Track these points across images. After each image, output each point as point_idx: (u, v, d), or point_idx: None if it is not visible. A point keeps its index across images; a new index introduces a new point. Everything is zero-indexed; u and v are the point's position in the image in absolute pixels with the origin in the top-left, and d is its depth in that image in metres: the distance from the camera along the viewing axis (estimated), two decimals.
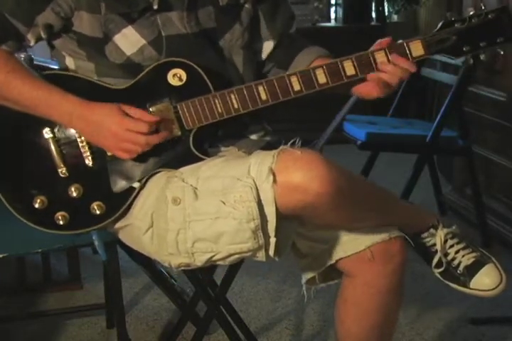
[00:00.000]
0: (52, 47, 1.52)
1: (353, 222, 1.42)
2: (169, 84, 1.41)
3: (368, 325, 1.51)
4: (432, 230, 1.50)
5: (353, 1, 4.62)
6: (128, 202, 1.43)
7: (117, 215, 1.43)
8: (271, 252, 1.34)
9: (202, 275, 1.77)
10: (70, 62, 1.49)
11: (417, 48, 1.38)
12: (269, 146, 1.51)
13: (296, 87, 1.39)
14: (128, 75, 1.43)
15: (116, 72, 1.44)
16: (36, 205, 1.42)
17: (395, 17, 4.82)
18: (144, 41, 1.42)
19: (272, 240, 1.33)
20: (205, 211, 1.34)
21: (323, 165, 1.28)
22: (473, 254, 1.48)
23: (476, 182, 2.87)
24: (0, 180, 1.44)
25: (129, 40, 1.42)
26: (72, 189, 1.42)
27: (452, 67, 2.92)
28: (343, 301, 1.53)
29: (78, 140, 1.42)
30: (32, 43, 1.45)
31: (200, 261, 1.38)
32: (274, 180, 1.29)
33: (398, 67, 1.39)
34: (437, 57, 3.05)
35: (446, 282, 1.51)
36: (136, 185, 1.42)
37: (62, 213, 1.42)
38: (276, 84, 1.39)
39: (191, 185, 1.36)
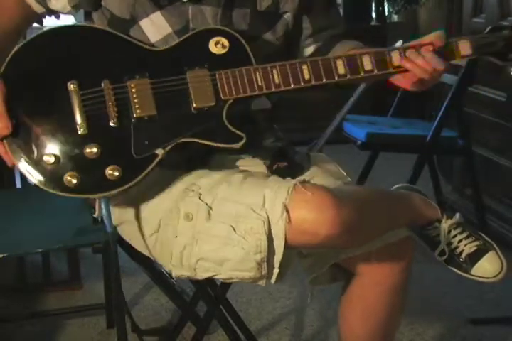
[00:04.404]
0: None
1: (362, 243, 1.43)
2: (210, 52, 1.36)
3: (373, 325, 1.52)
4: (436, 224, 1.52)
5: (353, 1, 4.63)
6: (147, 170, 1.32)
7: (133, 183, 1.32)
8: (272, 281, 1.35)
9: None
10: None
11: (465, 47, 1.38)
12: (280, 152, 1.51)
13: (341, 70, 1.36)
14: None
15: None
16: (47, 162, 1.30)
17: (395, 17, 4.82)
18: (170, 29, 1.40)
19: (275, 271, 1.33)
20: (215, 234, 1.32)
21: (332, 207, 1.28)
22: (476, 243, 1.51)
23: (476, 182, 2.87)
24: (12, 130, 1.32)
25: (155, 27, 1.40)
26: (89, 149, 1.31)
27: (452, 67, 2.92)
28: (349, 300, 1.53)
29: (106, 97, 1.32)
30: (55, 5, 1.44)
31: (201, 276, 1.38)
32: (288, 217, 1.29)
33: (428, 62, 1.35)
34: None
35: (450, 267, 1.53)
36: (159, 151, 1.33)
37: (74, 173, 1.30)
38: (321, 65, 1.35)
39: (206, 204, 1.34)
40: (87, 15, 1.50)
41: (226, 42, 1.35)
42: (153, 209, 1.42)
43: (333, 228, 1.28)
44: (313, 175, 1.50)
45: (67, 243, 1.72)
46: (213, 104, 1.34)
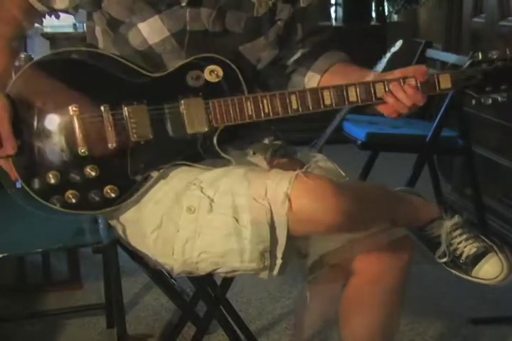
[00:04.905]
0: (89, 24, 1.53)
1: (359, 231, 1.44)
2: (205, 80, 1.42)
3: (372, 324, 1.52)
4: (436, 223, 1.52)
5: (353, 0, 4.62)
6: (142, 190, 1.41)
7: (128, 201, 1.42)
8: (275, 272, 1.36)
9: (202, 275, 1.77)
10: (100, 43, 1.50)
11: (445, 81, 1.44)
12: (282, 150, 1.54)
13: (327, 101, 1.42)
14: (148, 64, 1.44)
15: (137, 60, 1.45)
16: (48, 180, 1.38)
17: (395, 17, 4.82)
18: (167, 33, 1.44)
19: (278, 262, 1.34)
20: (217, 225, 1.34)
21: (334, 196, 1.30)
22: (478, 244, 1.50)
23: (476, 182, 2.87)
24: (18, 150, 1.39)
25: (152, 30, 1.44)
26: (89, 169, 1.38)
27: (452, 67, 2.92)
28: (348, 300, 1.54)
29: (105, 122, 1.39)
30: (59, 6, 1.47)
31: (203, 270, 1.39)
32: (290, 206, 1.30)
33: (409, 97, 1.42)
34: (437, 56, 3.05)
35: (449, 269, 1.52)
36: (154, 174, 1.41)
37: (74, 192, 1.38)
38: (308, 95, 1.42)
39: (208, 197, 1.36)
40: (89, 16, 1.52)
41: (221, 72, 1.42)
42: (154, 205, 1.42)
43: (336, 216, 1.29)
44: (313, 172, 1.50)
45: (67, 243, 1.72)
46: (206, 130, 1.42)
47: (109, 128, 1.39)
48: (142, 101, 1.39)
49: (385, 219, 1.46)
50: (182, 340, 2.10)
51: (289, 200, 1.30)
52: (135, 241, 1.50)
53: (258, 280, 2.52)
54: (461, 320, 2.28)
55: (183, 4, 1.42)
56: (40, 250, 1.73)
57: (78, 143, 1.38)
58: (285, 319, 2.30)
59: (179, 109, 1.41)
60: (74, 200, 1.38)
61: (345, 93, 1.42)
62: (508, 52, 1.44)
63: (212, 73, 1.42)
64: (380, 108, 1.45)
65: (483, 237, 1.53)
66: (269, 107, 1.41)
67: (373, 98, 1.43)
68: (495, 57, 1.44)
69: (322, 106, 1.42)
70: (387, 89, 1.42)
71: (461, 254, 1.50)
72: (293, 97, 1.41)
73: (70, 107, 1.37)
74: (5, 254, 1.64)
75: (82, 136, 1.38)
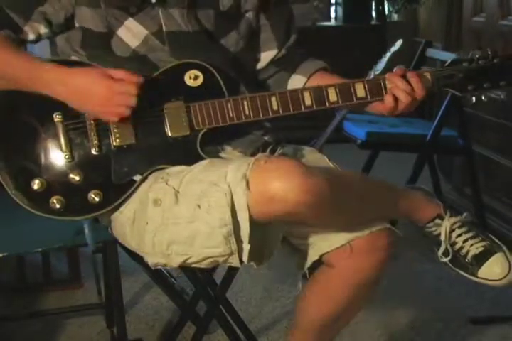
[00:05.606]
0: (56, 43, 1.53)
1: (346, 220, 1.42)
2: (185, 84, 1.44)
3: (328, 313, 1.52)
4: (437, 220, 1.51)
5: (353, 0, 4.62)
6: (126, 195, 1.43)
7: (113, 207, 1.43)
8: (244, 258, 1.35)
9: (202, 274, 1.77)
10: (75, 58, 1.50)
11: (426, 80, 1.44)
12: (265, 146, 1.53)
13: (308, 102, 1.43)
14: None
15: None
16: (34, 186, 1.40)
17: (395, 16, 4.82)
18: (146, 31, 1.45)
19: (246, 246, 1.33)
20: (183, 215, 1.35)
21: (299, 174, 1.28)
22: (482, 243, 1.49)
23: (476, 181, 2.87)
24: (2, 157, 1.42)
25: (132, 32, 1.45)
26: (73, 175, 1.41)
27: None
28: (313, 285, 1.54)
29: (88, 127, 1.41)
30: (31, 37, 1.47)
31: (175, 262, 1.40)
32: (248, 187, 1.29)
33: (409, 94, 1.42)
34: (437, 56, 3.05)
35: (455, 269, 1.51)
36: (137, 178, 1.43)
37: (59, 197, 1.41)
38: (288, 96, 1.43)
39: (173, 188, 1.37)
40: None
41: (201, 76, 1.44)
42: (130, 200, 1.44)
43: (301, 194, 1.27)
44: None
45: (67, 242, 1.72)
46: (188, 133, 1.43)
47: (92, 134, 1.41)
48: None
49: (380, 215, 1.45)
50: (182, 340, 2.10)
51: (247, 181, 1.29)
52: (119, 236, 1.52)
53: (258, 280, 2.53)
54: (460, 319, 2.28)
55: (153, 0, 1.44)
56: (40, 249, 1.73)
57: (62, 149, 1.40)
58: (285, 318, 2.30)
59: (161, 113, 1.42)
60: (59, 206, 1.41)
61: (325, 93, 1.42)
62: (489, 52, 1.44)
63: (193, 77, 1.43)
64: (380, 107, 1.45)
65: (490, 235, 1.51)
66: (250, 109, 1.42)
67: (354, 98, 1.43)
68: (477, 56, 1.44)
69: (303, 108, 1.43)
70: (366, 88, 1.42)
71: (466, 253, 1.48)
72: (273, 98, 1.42)
73: (54, 114, 1.40)
74: (5, 254, 1.64)
75: (65, 142, 1.41)
